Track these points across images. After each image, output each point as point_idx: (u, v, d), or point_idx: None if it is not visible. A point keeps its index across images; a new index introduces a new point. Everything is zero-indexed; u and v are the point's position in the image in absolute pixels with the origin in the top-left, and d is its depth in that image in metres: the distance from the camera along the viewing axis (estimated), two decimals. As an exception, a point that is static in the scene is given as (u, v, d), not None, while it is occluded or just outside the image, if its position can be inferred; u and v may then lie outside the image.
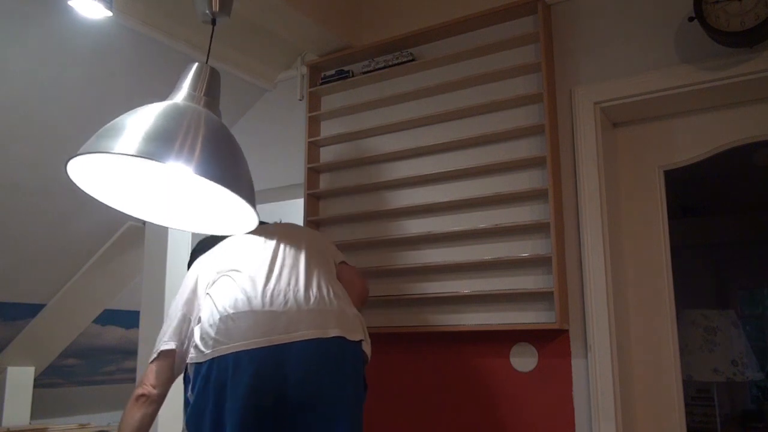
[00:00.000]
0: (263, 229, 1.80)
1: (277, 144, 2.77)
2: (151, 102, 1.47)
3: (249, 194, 1.47)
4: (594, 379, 1.90)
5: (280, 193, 2.77)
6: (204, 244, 1.90)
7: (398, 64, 2.33)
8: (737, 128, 1.97)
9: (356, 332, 1.63)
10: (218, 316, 1.56)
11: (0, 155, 2.51)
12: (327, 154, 2.52)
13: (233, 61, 2.64)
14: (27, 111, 2.41)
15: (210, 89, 1.58)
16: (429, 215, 2.24)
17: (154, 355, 1.60)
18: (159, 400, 1.59)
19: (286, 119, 2.78)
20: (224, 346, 1.51)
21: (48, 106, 2.43)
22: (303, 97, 2.65)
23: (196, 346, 1.56)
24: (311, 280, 1.67)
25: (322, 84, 2.52)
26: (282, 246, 1.74)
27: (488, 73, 2.15)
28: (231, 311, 1.56)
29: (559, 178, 2.05)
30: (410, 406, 2.23)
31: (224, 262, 1.69)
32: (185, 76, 1.59)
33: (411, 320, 2.20)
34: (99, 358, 4.05)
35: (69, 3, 1.91)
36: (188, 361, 1.58)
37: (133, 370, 3.29)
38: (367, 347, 1.67)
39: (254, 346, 1.50)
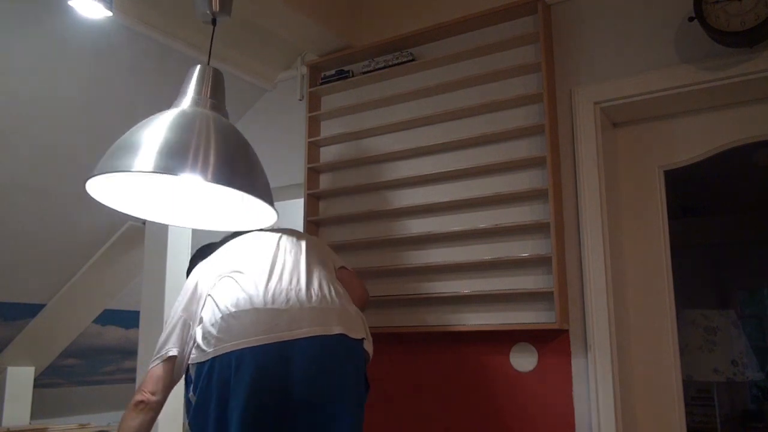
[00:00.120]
0: (263, 234, 1.81)
1: (277, 144, 2.77)
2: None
3: (265, 193, 1.54)
4: (594, 379, 1.90)
5: (280, 193, 2.77)
6: (203, 250, 1.91)
7: (398, 64, 2.33)
8: (737, 128, 1.97)
9: (358, 330, 1.63)
10: (220, 315, 1.56)
11: (0, 155, 2.51)
12: (327, 154, 2.52)
13: (233, 61, 2.64)
14: (27, 111, 2.41)
15: (215, 91, 1.62)
16: (429, 215, 2.24)
17: (156, 362, 1.59)
18: (157, 407, 1.58)
19: (286, 119, 2.78)
20: (227, 344, 1.51)
21: (48, 106, 2.44)
22: (303, 97, 2.65)
23: (198, 346, 1.56)
24: (312, 279, 1.67)
25: (322, 84, 2.52)
26: (282, 249, 1.74)
27: (488, 73, 2.15)
28: (233, 309, 1.56)
29: (559, 178, 2.05)
30: (410, 405, 2.23)
31: (225, 265, 1.69)
32: (189, 80, 1.61)
33: (411, 320, 2.20)
34: (99, 358, 4.05)
35: (69, 3, 1.91)
36: (190, 361, 1.58)
37: (133, 370, 3.29)
38: (368, 346, 1.67)
39: (257, 343, 1.49)
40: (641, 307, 2.04)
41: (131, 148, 1.42)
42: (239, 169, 1.49)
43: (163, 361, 1.58)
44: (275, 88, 2.87)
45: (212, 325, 1.55)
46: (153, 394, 1.56)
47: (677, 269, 2.05)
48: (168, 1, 2.31)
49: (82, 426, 3.43)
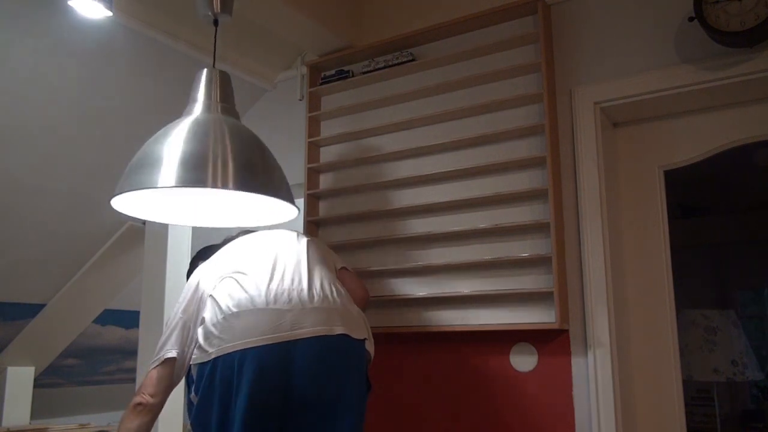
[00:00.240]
0: (263, 235, 1.81)
1: (277, 144, 2.74)
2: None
3: (285, 191, 1.63)
4: (594, 379, 1.90)
5: (280, 193, 2.77)
6: (203, 252, 1.91)
7: (398, 64, 2.33)
8: (737, 128, 1.97)
9: (360, 330, 1.63)
10: (222, 315, 1.56)
11: (0, 155, 2.51)
12: (327, 154, 2.52)
13: (233, 61, 2.64)
14: (27, 111, 2.41)
15: (224, 94, 1.66)
16: (429, 215, 2.24)
17: (155, 363, 1.59)
18: (156, 409, 1.58)
19: (286, 119, 2.78)
20: (229, 344, 1.51)
21: (48, 105, 2.43)
22: (303, 97, 2.65)
23: (199, 347, 1.56)
24: (313, 279, 1.67)
25: (322, 84, 2.52)
26: (283, 249, 1.74)
27: (488, 73, 2.15)
28: (235, 309, 1.56)
29: (559, 178, 2.05)
30: (410, 405, 2.23)
31: (226, 266, 1.69)
32: (198, 85, 1.64)
33: (411, 320, 2.20)
34: (99, 358, 4.05)
35: (69, 3, 1.91)
36: (191, 362, 1.57)
37: (133, 370, 3.29)
38: (370, 346, 1.67)
39: (260, 344, 1.49)
40: (641, 307, 2.04)
41: (152, 164, 1.49)
42: (258, 171, 1.57)
43: (162, 362, 1.58)
44: (275, 88, 2.87)
45: (214, 325, 1.55)
46: (152, 396, 1.56)
47: (677, 269, 2.05)
48: (168, 1, 2.31)
49: (82, 426, 3.43)
